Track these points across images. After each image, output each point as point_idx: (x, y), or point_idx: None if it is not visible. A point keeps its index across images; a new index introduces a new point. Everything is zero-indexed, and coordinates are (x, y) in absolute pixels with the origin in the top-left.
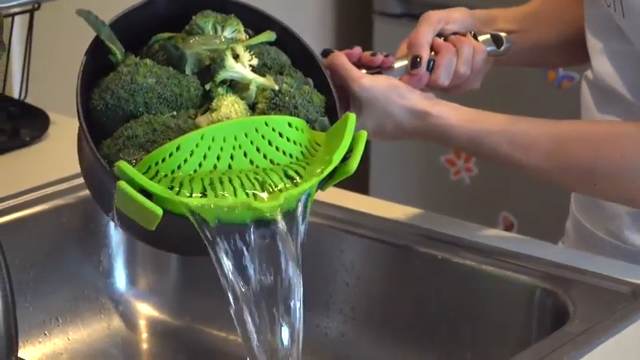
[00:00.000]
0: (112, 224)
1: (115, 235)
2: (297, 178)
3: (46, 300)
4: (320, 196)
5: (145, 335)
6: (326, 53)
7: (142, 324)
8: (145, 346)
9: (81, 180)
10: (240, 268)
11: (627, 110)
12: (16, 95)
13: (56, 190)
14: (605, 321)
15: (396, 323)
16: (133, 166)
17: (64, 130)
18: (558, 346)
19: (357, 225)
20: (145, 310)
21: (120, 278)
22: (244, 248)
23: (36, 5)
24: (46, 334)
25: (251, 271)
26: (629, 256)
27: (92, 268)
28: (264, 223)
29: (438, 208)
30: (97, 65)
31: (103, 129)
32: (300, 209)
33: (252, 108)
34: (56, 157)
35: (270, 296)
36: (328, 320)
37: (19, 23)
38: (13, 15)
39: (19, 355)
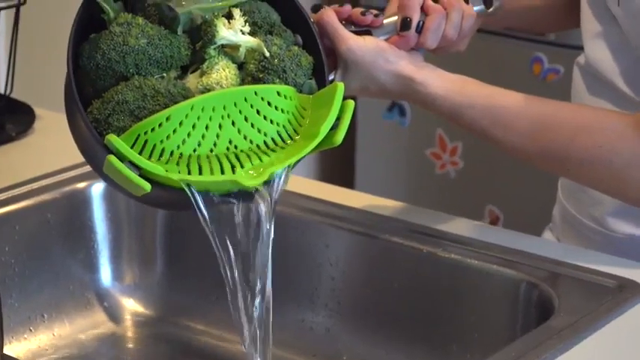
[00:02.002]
0: (97, 219)
1: (101, 230)
2: (283, 149)
3: (31, 296)
4: (305, 189)
5: (130, 330)
6: (316, 9)
7: (128, 319)
8: (130, 341)
9: (66, 175)
10: (226, 231)
11: (618, 98)
12: (1, 90)
13: (41, 185)
14: (590, 314)
15: (382, 317)
16: (123, 133)
17: (50, 125)
18: (544, 340)
19: (342, 219)
20: (131, 306)
21: (105, 274)
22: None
23: (22, 0)
24: (31, 330)
25: (237, 231)
26: (612, 243)
27: (77, 264)
28: (248, 192)
29: (424, 201)
30: (90, 15)
31: (91, 85)
32: (281, 175)
33: (240, 67)
34: (42, 153)
35: (247, 256)
36: (313, 315)
37: (5, 18)
38: None
39: (5, 351)
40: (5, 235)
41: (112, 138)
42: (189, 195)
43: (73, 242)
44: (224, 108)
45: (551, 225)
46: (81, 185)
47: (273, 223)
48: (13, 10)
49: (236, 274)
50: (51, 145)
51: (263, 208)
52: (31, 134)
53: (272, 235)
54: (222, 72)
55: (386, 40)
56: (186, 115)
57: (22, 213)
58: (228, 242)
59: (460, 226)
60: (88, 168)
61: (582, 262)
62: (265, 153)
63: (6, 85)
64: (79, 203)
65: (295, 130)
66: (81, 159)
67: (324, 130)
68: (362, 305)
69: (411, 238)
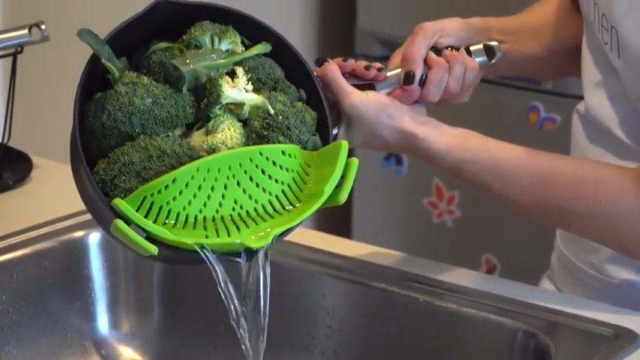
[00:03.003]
0: (94, 268)
1: (98, 279)
2: (287, 210)
3: (29, 344)
4: (302, 239)
5: None
6: (320, 62)
7: None
8: None
9: (63, 224)
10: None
11: (617, 147)
12: None
13: (39, 234)
14: None
15: None
16: (129, 194)
17: (47, 174)
18: None
19: (339, 268)
20: (128, 354)
21: (102, 322)
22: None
23: (19, 49)
24: None
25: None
26: (609, 289)
27: (75, 312)
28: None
29: (421, 250)
30: (94, 72)
31: (97, 143)
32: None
33: (245, 122)
34: (39, 201)
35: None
36: None
37: (2, 67)
38: None
39: None
40: (3, 284)
41: (119, 202)
42: (203, 256)
43: (71, 291)
44: (229, 168)
45: (549, 272)
46: (78, 234)
47: (268, 268)
48: (10, 59)
49: (243, 322)
50: (48, 193)
51: (260, 255)
52: (28, 183)
53: (269, 281)
54: (228, 131)
55: (389, 93)
56: (192, 177)
57: (19, 261)
58: (233, 293)
59: (457, 276)
60: (85, 217)
61: (579, 311)
62: (270, 215)
63: (3, 133)
64: (77, 252)
65: (300, 188)
66: (78, 208)
67: (329, 189)
68: (358, 354)
69: (407, 287)
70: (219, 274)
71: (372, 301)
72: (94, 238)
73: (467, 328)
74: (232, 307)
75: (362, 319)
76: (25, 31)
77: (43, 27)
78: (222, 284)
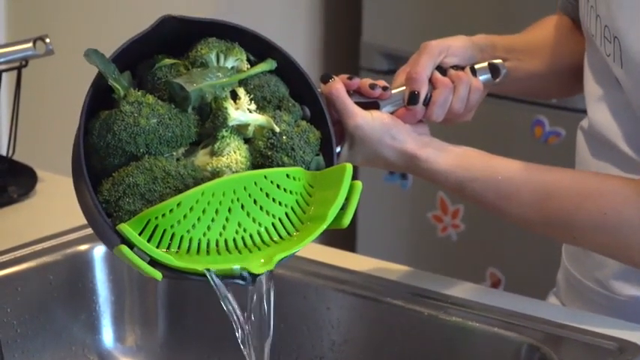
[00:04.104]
0: (99, 281)
1: (103, 292)
2: (290, 235)
3: (33, 357)
4: (307, 253)
5: None
6: (325, 79)
7: None
8: None
9: (68, 237)
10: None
11: (621, 161)
12: (3, 152)
13: (44, 247)
14: None
15: None
16: (133, 216)
17: (52, 188)
18: None
19: (343, 282)
20: None
21: (107, 335)
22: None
23: (23, 62)
24: None
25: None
26: (616, 306)
27: (79, 325)
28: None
29: (426, 264)
30: (100, 86)
31: (99, 161)
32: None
33: (248, 140)
34: (44, 215)
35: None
36: None
37: (7, 80)
38: (0, 72)
39: None
40: (8, 297)
41: (124, 228)
42: (210, 280)
43: (75, 304)
44: (234, 192)
45: (555, 290)
46: (83, 247)
47: (273, 289)
48: (15, 72)
49: (249, 339)
50: (53, 207)
51: (264, 279)
52: (33, 196)
53: (272, 302)
54: (233, 155)
55: (393, 112)
56: (197, 201)
57: (24, 275)
58: (237, 310)
59: (462, 289)
60: (90, 230)
61: (583, 325)
62: (273, 240)
63: (8, 147)
64: (81, 265)
65: (302, 210)
66: (83, 221)
67: (332, 215)
68: None
69: (412, 301)
70: (230, 300)
71: (377, 314)
72: (99, 251)
73: (471, 342)
74: (238, 324)
75: (366, 332)
76: (30, 45)
77: (47, 40)
78: (228, 307)
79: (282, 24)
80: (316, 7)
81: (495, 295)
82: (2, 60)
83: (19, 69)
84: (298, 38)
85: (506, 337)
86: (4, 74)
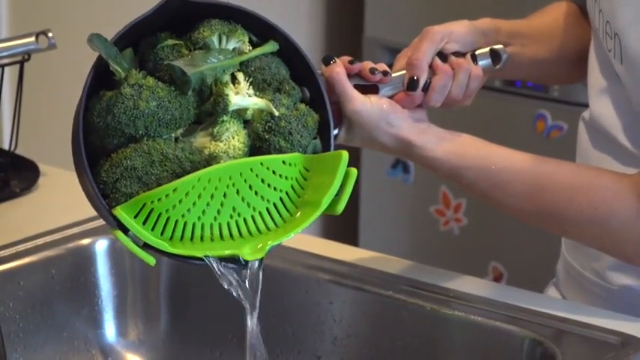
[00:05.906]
0: (101, 275)
1: (105, 286)
2: (285, 221)
3: (35, 351)
4: (309, 247)
5: None
6: (327, 61)
7: None
8: None
9: (70, 231)
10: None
11: (621, 153)
12: (6, 146)
13: (46, 241)
14: None
15: None
16: (130, 199)
17: (54, 182)
18: None
19: (346, 276)
20: None
21: (109, 329)
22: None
23: (26, 56)
24: None
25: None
26: (611, 296)
27: (82, 320)
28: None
29: (428, 258)
30: (100, 65)
31: (99, 139)
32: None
33: (246, 122)
34: (46, 209)
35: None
36: None
37: (9, 74)
38: (2, 66)
39: None
40: (10, 291)
41: (119, 213)
42: (208, 263)
43: (78, 298)
44: (230, 178)
45: (555, 280)
46: (85, 242)
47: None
48: (18, 66)
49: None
50: (55, 201)
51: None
52: (35, 190)
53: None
54: (232, 141)
55: (392, 95)
56: (193, 186)
57: (26, 269)
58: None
59: (464, 283)
60: (92, 224)
61: (585, 319)
62: (267, 225)
63: (10, 141)
64: (84, 259)
65: (297, 194)
66: (85, 215)
67: (326, 201)
68: None
69: (414, 295)
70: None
71: (379, 308)
72: (101, 245)
73: (473, 336)
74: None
75: (369, 326)
76: (32, 39)
77: (49, 34)
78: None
79: (284, 18)
80: (318, 3)
81: (497, 289)
82: (5, 54)
83: (21, 63)
84: (300, 33)
85: (508, 331)
86: (6, 68)
